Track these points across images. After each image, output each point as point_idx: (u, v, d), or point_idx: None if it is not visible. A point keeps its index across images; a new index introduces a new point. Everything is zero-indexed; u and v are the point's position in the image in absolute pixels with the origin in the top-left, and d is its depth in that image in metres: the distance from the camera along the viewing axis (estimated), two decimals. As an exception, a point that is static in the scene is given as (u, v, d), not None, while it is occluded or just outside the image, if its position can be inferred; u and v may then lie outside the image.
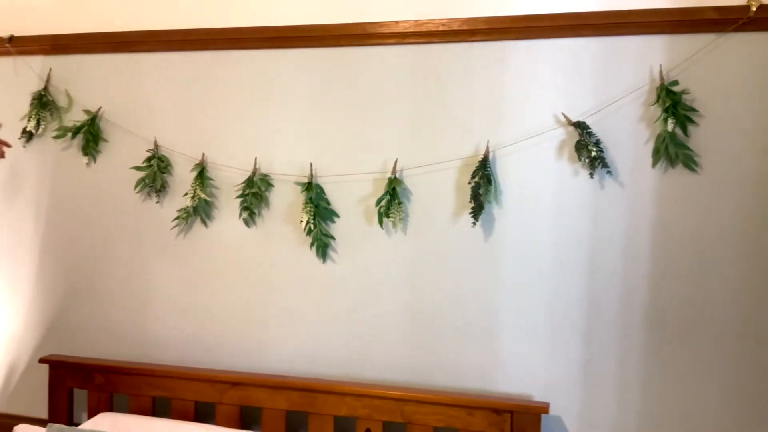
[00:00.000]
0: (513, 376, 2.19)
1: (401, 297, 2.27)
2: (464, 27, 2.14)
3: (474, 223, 2.14)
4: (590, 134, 2.06)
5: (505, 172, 2.15)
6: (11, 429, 2.35)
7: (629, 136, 2.07)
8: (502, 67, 2.15)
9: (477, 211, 2.13)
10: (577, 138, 2.08)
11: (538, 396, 2.17)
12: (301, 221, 2.29)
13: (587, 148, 2.05)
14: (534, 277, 2.15)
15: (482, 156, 2.14)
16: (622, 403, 2.12)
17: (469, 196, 2.15)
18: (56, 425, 2.00)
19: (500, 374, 2.20)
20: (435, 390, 2.21)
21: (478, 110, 2.17)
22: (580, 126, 2.07)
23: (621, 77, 2.06)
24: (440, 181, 2.21)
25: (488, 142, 2.15)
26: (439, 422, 2.14)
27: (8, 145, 2.31)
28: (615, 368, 2.12)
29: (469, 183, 2.15)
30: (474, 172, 2.14)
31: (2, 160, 2.34)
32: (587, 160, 2.07)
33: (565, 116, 2.10)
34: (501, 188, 2.16)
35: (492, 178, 2.13)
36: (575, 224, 2.11)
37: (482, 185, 2.12)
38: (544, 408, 2.07)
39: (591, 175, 2.09)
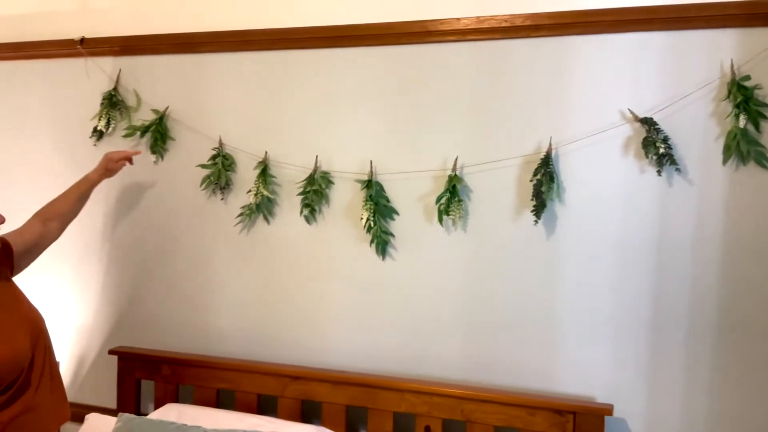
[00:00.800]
0: (575, 377, 2.16)
1: (460, 295, 2.26)
2: (527, 23, 2.12)
3: (536, 222, 2.12)
4: (658, 131, 2.01)
5: (568, 170, 2.12)
6: (81, 418, 2.43)
7: (699, 132, 2.01)
8: (566, 63, 2.12)
9: (539, 209, 2.11)
10: (644, 135, 2.03)
11: (601, 398, 2.13)
12: (361, 218, 2.31)
13: (655, 144, 2.01)
14: (598, 277, 2.12)
15: (545, 153, 2.11)
16: (689, 407, 2.06)
17: (530, 194, 2.13)
18: (126, 415, 2.07)
19: (562, 375, 2.17)
20: (495, 389, 2.20)
21: (540, 107, 2.14)
22: (648, 122, 2.02)
23: (690, 72, 2.01)
24: (501, 178, 2.19)
25: (551, 139, 2.13)
26: (499, 421, 2.12)
27: (135, 153, 2.43)
28: (682, 371, 2.06)
29: (531, 180, 2.13)
30: (536, 169, 2.11)
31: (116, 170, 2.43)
32: (655, 158, 2.02)
33: (631, 112, 2.06)
34: (564, 186, 2.13)
35: (555, 175, 2.11)
36: (641, 223, 2.07)
37: (545, 183, 2.09)
38: (607, 410, 2.04)
39: (659, 172, 2.04)
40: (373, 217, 2.29)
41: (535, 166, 2.12)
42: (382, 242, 2.32)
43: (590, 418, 2.05)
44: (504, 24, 2.15)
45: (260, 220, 2.48)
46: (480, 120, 2.21)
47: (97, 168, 2.36)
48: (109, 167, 2.36)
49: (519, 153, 2.17)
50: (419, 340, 2.31)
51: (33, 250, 2.12)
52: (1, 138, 2.83)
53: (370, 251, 2.35)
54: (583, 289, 2.13)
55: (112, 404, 2.61)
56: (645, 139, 2.03)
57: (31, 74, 2.77)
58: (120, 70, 2.62)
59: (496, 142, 2.19)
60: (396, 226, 2.33)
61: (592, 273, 2.12)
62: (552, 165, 2.10)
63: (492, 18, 2.16)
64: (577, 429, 2.06)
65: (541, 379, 2.18)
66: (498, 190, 2.20)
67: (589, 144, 2.10)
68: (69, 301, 2.73)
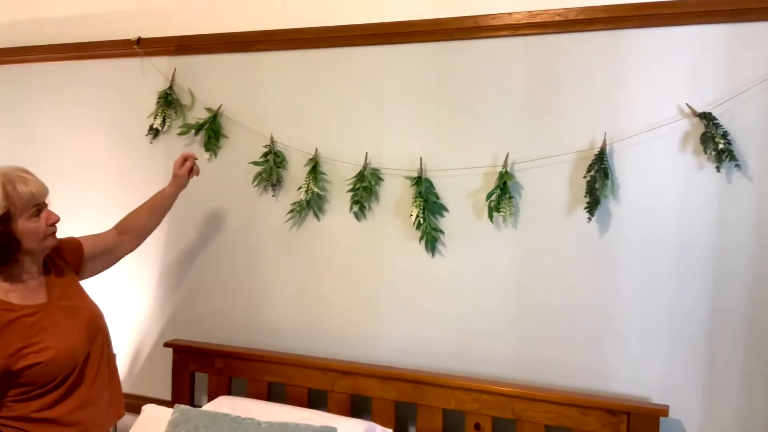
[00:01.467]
0: (629, 377, 2.12)
1: (510, 292, 2.24)
2: (581, 16, 2.09)
3: (589, 219, 2.09)
4: (717, 125, 1.96)
5: (623, 166, 2.09)
6: (137, 409, 2.50)
7: (760, 127, 1.95)
8: (621, 58, 2.08)
9: (592, 206, 2.08)
10: (702, 130, 1.98)
11: (656, 398, 2.09)
12: (411, 215, 2.31)
13: (714, 140, 1.95)
14: (654, 275, 2.07)
15: (599, 149, 2.08)
16: (746, 409, 2.01)
17: (584, 191, 2.10)
18: (182, 406, 2.12)
19: (615, 374, 2.13)
20: (547, 388, 2.17)
21: (595, 102, 2.11)
22: (706, 117, 1.97)
23: (751, 65, 1.95)
24: (553, 175, 2.17)
25: (605, 134, 2.09)
26: (550, 420, 2.10)
27: (190, 156, 2.37)
28: (740, 373, 2.01)
29: (585, 177, 2.09)
30: (590, 165, 2.08)
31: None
32: (714, 153, 1.97)
33: (689, 107, 2.00)
34: (618, 182, 2.09)
35: (609, 171, 2.07)
36: (699, 220, 2.02)
37: (598, 179, 2.06)
38: (663, 410, 2.00)
39: (718, 168, 1.98)
40: (423, 213, 2.29)
41: (589, 162, 2.09)
42: (431, 239, 2.32)
43: (645, 419, 2.01)
44: (557, 18, 2.12)
45: (310, 216, 2.51)
46: (532, 116, 2.19)
47: (172, 181, 2.35)
48: (174, 174, 2.35)
49: (572, 149, 2.14)
50: (469, 337, 2.30)
51: (104, 257, 2.17)
52: (61, 137, 2.93)
53: (420, 248, 2.35)
54: (639, 287, 2.09)
55: (167, 396, 2.67)
56: (703, 134, 1.98)
57: (90, 74, 2.85)
58: (175, 70, 2.68)
59: (548, 138, 2.17)
60: (445, 222, 2.32)
61: (648, 271, 2.08)
62: (606, 161, 2.07)
63: (545, 12, 2.13)
64: (631, 430, 2.02)
65: (594, 379, 2.15)
66: (550, 187, 2.17)
67: (645, 139, 2.06)
68: (127, 295, 2.81)
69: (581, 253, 2.15)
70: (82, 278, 2.11)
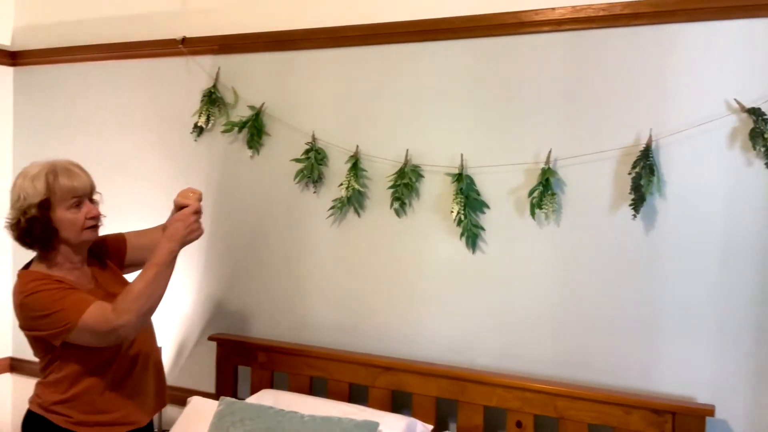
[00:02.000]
0: (674, 376, 2.09)
1: (553, 289, 2.23)
2: (626, 11, 2.06)
3: (634, 216, 2.06)
4: (766, 121, 1.92)
5: (669, 162, 2.06)
6: (182, 401, 2.56)
7: (813, 122, 1.90)
8: (667, 52, 2.04)
9: (638, 203, 2.05)
10: (751, 125, 1.94)
11: (702, 398, 2.06)
12: (451, 211, 2.31)
13: (763, 136, 1.91)
14: (700, 274, 2.04)
15: (644, 145, 2.05)
16: (798, 411, 1.97)
17: (628, 188, 2.07)
18: (228, 398, 2.17)
19: (660, 373, 2.11)
20: (590, 386, 2.16)
21: (640, 97, 2.08)
22: (756, 112, 1.93)
23: (803, 58, 1.90)
24: (597, 171, 2.15)
25: (651, 130, 2.06)
26: (594, 419, 2.09)
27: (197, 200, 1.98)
28: (792, 373, 1.96)
29: (630, 173, 2.07)
30: (635, 161, 2.06)
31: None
32: (763, 149, 1.93)
33: (738, 102, 1.97)
34: (664, 179, 2.06)
35: (655, 168, 2.04)
36: (747, 217, 1.98)
37: (644, 176, 2.03)
38: (709, 410, 1.97)
39: (767, 165, 1.94)
40: (464, 210, 2.30)
41: (634, 158, 2.06)
42: (472, 235, 2.32)
43: (690, 419, 1.98)
44: (601, 13, 2.09)
45: (351, 213, 2.53)
46: (575, 112, 2.17)
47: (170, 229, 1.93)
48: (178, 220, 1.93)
49: (616, 145, 2.11)
50: (510, 334, 2.29)
51: (149, 254, 2.09)
52: (107, 135, 3.01)
53: (460, 244, 2.35)
54: (684, 285, 2.06)
55: (211, 389, 2.72)
56: (752, 130, 1.94)
57: (136, 73, 2.92)
58: (219, 68, 2.72)
59: (592, 134, 2.15)
60: (486, 219, 2.32)
61: (694, 269, 2.05)
62: (652, 157, 2.04)
63: (589, 7, 2.11)
64: (676, 430, 1.99)
65: (638, 378, 2.13)
66: (593, 184, 2.15)
67: (691, 135, 2.02)
68: (172, 290, 2.84)
69: (626, 250, 2.12)
70: (127, 273, 2.16)
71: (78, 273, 1.97)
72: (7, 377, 3.30)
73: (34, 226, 1.87)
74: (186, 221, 1.88)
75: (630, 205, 2.07)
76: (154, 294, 1.85)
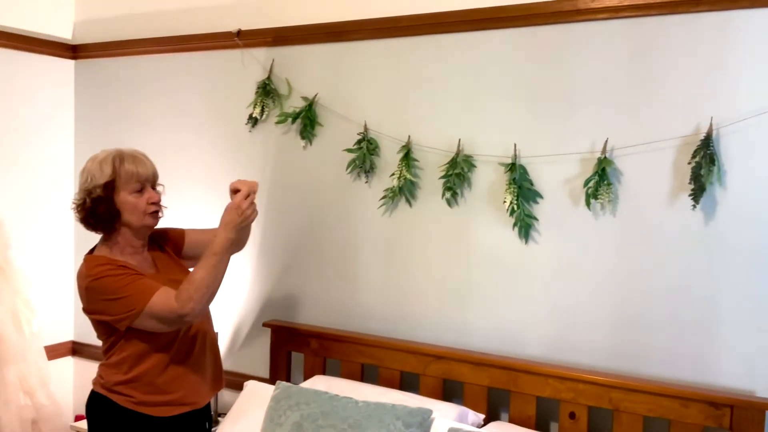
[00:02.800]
0: (732, 370, 2.05)
1: (607, 281, 2.21)
2: (687, -3, 2.02)
3: (694, 206, 2.03)
4: (835, 109, 1.86)
5: (730, 152, 2.01)
6: (238, 385, 2.63)
7: None
8: (729, 40, 1.99)
9: (697, 193, 2.01)
10: (819, 113, 1.89)
11: (761, 392, 2.01)
12: (504, 201, 2.30)
13: (832, 124, 1.86)
14: (761, 266, 1.99)
15: (705, 134, 2.01)
16: None
17: (688, 178, 2.04)
18: (284, 383, 2.21)
19: (718, 366, 2.07)
20: (645, 378, 2.13)
21: (700, 86, 2.04)
22: (824, 100, 1.87)
23: None
24: (655, 161, 2.11)
25: (711, 119, 2.02)
26: (650, 412, 2.06)
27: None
28: None
29: (689, 163, 2.03)
30: (695, 151, 2.02)
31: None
32: (831, 138, 1.87)
33: (805, 89, 1.91)
34: (725, 169, 2.02)
35: (715, 157, 2.00)
36: (813, 208, 1.93)
37: (704, 165, 1.99)
38: (769, 405, 1.93)
39: (835, 154, 1.89)
40: (517, 200, 2.29)
41: (694, 147, 2.02)
42: (525, 226, 2.31)
43: (749, 413, 1.95)
44: (661, -1, 2.06)
45: (402, 202, 2.54)
46: (632, 100, 2.14)
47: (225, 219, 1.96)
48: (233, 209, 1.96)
49: (676, 134, 2.08)
50: (564, 325, 2.28)
51: (203, 251, 2.07)
52: (164, 126, 3.08)
53: (513, 235, 2.35)
54: (745, 277, 2.02)
55: (265, 374, 2.78)
56: (820, 118, 1.88)
57: (193, 66, 2.99)
58: (273, 60, 2.76)
59: (650, 124, 2.11)
60: (540, 209, 2.31)
61: (755, 261, 2.00)
62: (713, 146, 2.00)
63: (648, -6, 2.07)
64: (734, 423, 1.96)
65: (696, 371, 2.09)
66: (651, 174, 2.12)
67: (754, 124, 1.97)
68: (228, 277, 2.91)
69: (684, 241, 2.08)
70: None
71: (139, 258, 2.04)
72: (69, 360, 3.43)
73: (98, 206, 1.96)
74: (239, 208, 1.92)
75: (689, 195, 2.03)
76: (215, 282, 1.91)
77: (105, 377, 2.02)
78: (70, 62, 3.35)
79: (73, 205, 2.01)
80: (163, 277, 2.02)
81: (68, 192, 3.21)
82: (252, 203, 1.95)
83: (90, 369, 3.20)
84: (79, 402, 3.34)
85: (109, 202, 1.96)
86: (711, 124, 2.01)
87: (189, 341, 2.05)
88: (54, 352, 3.25)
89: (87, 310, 1.99)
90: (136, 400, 1.98)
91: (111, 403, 2.00)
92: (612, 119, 2.17)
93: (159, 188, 2.07)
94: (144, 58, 3.12)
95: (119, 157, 1.98)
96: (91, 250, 2.06)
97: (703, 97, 2.04)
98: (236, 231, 1.92)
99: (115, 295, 1.90)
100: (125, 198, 1.97)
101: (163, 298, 1.87)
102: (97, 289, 1.93)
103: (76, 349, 3.42)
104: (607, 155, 2.16)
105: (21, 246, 3.05)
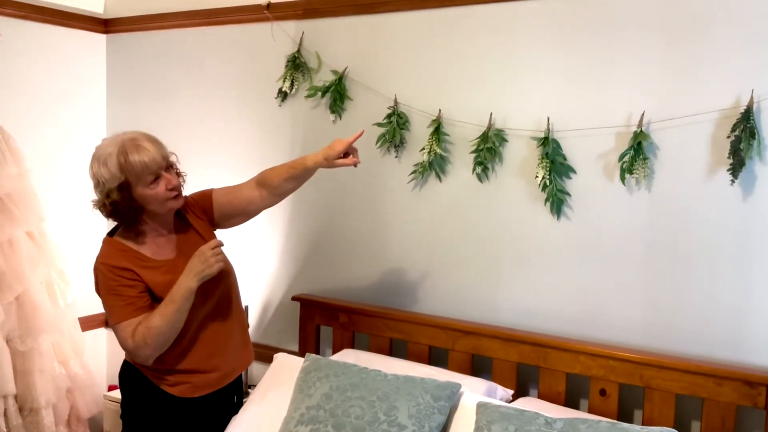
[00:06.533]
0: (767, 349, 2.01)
1: (641, 257, 2.17)
2: (730, -35, 1.95)
3: (732, 182, 1.98)
4: None
5: (772, 125, 1.95)
6: (268, 358, 2.65)
7: None
8: (774, 8, 1.93)
9: (736, 167, 1.96)
10: None
11: (799, 372, 1.98)
12: (536, 177, 2.27)
13: None
14: (803, 242, 1.94)
15: (745, 107, 1.95)
16: None
17: (726, 152, 1.98)
18: (313, 355, 2.23)
19: (753, 345, 2.03)
20: (678, 356, 2.10)
21: (741, 56, 1.98)
22: None
23: None
24: (693, 135, 2.06)
25: (753, 91, 1.96)
26: (682, 390, 2.04)
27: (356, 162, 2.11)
28: None
29: (728, 137, 1.98)
30: (734, 125, 1.96)
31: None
32: None
33: None
34: (766, 143, 1.96)
35: (756, 131, 1.94)
36: None
37: (743, 139, 1.94)
38: (807, 385, 1.89)
39: None
40: (549, 175, 2.25)
41: (734, 121, 1.97)
42: (557, 201, 2.27)
43: (786, 393, 1.91)
44: (702, -33, 1.99)
45: (432, 177, 2.52)
46: (670, 72, 2.08)
47: (318, 153, 2.08)
48: (328, 157, 2.06)
49: (714, 107, 2.02)
50: (596, 301, 2.25)
51: (238, 208, 2.17)
52: (194, 99, 3.09)
53: (545, 210, 2.32)
54: (785, 255, 1.97)
55: (294, 347, 2.80)
56: None
57: (223, 39, 2.98)
58: (303, 33, 2.74)
59: (688, 96, 2.06)
60: (572, 185, 2.27)
61: (796, 238, 1.95)
62: (753, 120, 1.94)
63: (688, -39, 2.01)
64: (770, 403, 1.93)
65: (731, 349, 2.05)
66: (689, 148, 2.07)
67: (798, 97, 1.91)
68: (258, 251, 2.95)
69: (722, 217, 2.04)
70: (220, 228, 2.21)
71: (163, 241, 2.05)
72: (102, 332, 3.49)
73: (119, 208, 1.94)
74: (203, 255, 1.93)
75: (728, 170, 1.98)
76: (172, 329, 1.95)
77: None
78: (102, 36, 3.37)
79: (94, 205, 2.00)
80: (182, 262, 1.99)
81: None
82: (219, 254, 1.95)
83: (122, 340, 3.27)
84: (112, 372, 3.41)
85: (129, 200, 1.94)
86: (752, 97, 1.95)
87: (214, 315, 2.07)
88: (88, 323, 3.31)
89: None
90: (164, 368, 2.02)
91: (139, 374, 2.05)
92: (649, 92, 2.12)
93: (173, 159, 2.02)
94: (174, 32, 3.12)
95: (122, 153, 1.89)
96: (112, 231, 2.07)
97: (744, 69, 1.98)
98: (198, 281, 1.93)
99: (102, 295, 2.00)
100: (143, 192, 1.94)
101: (127, 332, 1.94)
102: (96, 277, 2.01)
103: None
104: (644, 129, 2.11)
105: (55, 218, 3.10)
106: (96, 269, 2.00)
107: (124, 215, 1.96)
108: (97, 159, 1.93)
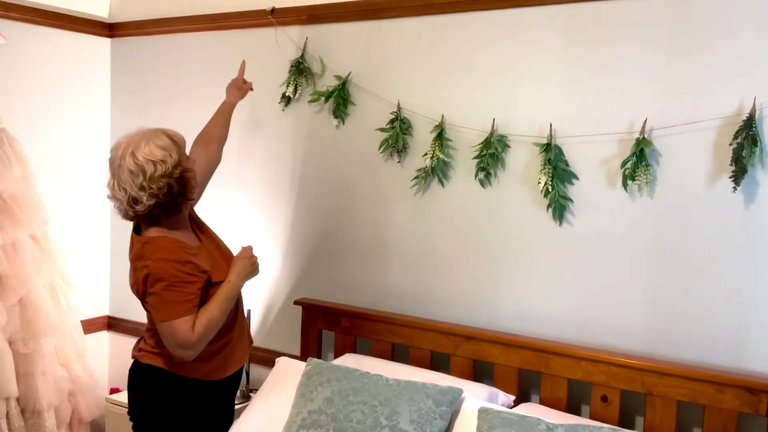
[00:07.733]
0: (770, 356, 2.01)
1: (643, 264, 2.17)
2: (732, -28, 1.96)
3: (734, 189, 1.98)
4: None
5: (774, 133, 1.96)
6: (269, 362, 2.65)
7: None
8: (776, 16, 1.93)
9: (738, 175, 1.97)
10: None
11: (801, 379, 1.98)
12: (539, 182, 2.28)
13: None
14: (805, 250, 1.95)
15: (747, 114, 1.96)
16: None
17: (728, 159, 1.99)
18: (315, 359, 2.23)
19: (754, 353, 2.03)
20: (680, 362, 2.10)
21: (743, 64, 1.98)
22: None
23: None
24: (695, 142, 2.07)
25: (755, 99, 1.96)
26: (683, 396, 2.04)
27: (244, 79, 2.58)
28: None
29: (731, 144, 1.98)
30: (737, 132, 1.97)
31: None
32: None
33: None
34: (767, 150, 1.97)
35: (758, 138, 1.95)
36: None
37: (746, 147, 1.94)
38: (809, 392, 1.89)
39: None
40: (551, 181, 2.26)
41: (736, 128, 1.97)
42: (559, 207, 2.28)
43: (788, 401, 1.91)
44: (704, -26, 2.00)
45: (435, 183, 2.53)
46: (672, 79, 2.09)
47: (233, 93, 2.51)
48: (239, 88, 2.52)
49: (716, 114, 2.03)
50: (597, 307, 2.26)
51: (207, 181, 2.29)
52: (198, 104, 3.09)
53: (547, 216, 2.32)
54: (786, 262, 1.97)
55: (296, 351, 2.80)
56: None
57: (227, 44, 2.99)
58: (307, 38, 2.76)
59: (691, 103, 2.06)
60: (575, 191, 2.28)
61: (798, 245, 1.95)
62: (755, 127, 1.95)
63: (690, -31, 2.02)
64: (772, 411, 1.93)
65: (733, 356, 2.06)
66: (691, 155, 2.08)
67: (800, 104, 1.92)
68: (260, 254, 2.93)
69: (724, 225, 2.04)
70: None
71: (187, 231, 2.07)
72: (105, 335, 3.49)
73: (172, 192, 1.91)
74: (248, 260, 2.10)
75: (730, 177, 1.99)
76: (222, 322, 2.01)
77: (149, 344, 2.05)
78: (107, 40, 3.39)
79: (152, 199, 1.88)
80: (206, 245, 2.07)
81: (104, 169, 3.26)
82: (256, 258, 2.14)
83: (125, 343, 3.27)
84: (114, 375, 3.41)
85: (181, 179, 1.93)
86: (754, 104, 1.96)
87: (233, 314, 2.13)
88: (90, 326, 3.32)
89: (137, 282, 2.00)
90: (203, 371, 2.04)
91: (153, 368, 2.03)
92: (651, 99, 2.12)
93: None
94: (179, 37, 3.14)
95: (159, 131, 1.93)
96: (137, 230, 2.02)
97: (746, 76, 1.98)
98: (245, 282, 2.08)
99: (161, 288, 1.91)
100: (187, 165, 1.97)
101: (186, 326, 1.91)
102: (154, 273, 1.91)
103: (111, 323, 3.48)
104: (646, 135, 2.12)
105: (58, 221, 3.10)
106: (156, 268, 1.91)
107: (173, 200, 1.93)
108: (136, 146, 1.88)
